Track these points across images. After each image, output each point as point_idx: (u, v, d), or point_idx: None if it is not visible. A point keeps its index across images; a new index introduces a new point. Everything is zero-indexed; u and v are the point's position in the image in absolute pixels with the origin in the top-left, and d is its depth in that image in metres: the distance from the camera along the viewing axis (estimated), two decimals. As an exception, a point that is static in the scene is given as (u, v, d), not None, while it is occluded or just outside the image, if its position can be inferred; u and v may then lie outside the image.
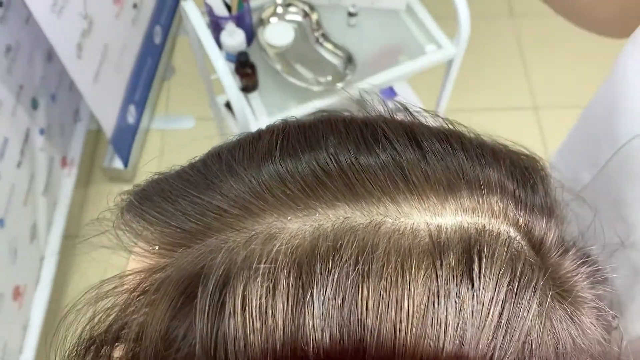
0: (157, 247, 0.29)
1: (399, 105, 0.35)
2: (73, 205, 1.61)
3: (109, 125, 1.54)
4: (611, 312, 0.30)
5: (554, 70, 1.92)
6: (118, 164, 1.68)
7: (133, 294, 0.28)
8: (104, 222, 0.33)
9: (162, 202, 0.30)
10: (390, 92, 1.62)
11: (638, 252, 0.40)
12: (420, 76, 1.30)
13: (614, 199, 0.49)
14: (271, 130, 0.32)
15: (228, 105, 1.49)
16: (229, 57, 1.15)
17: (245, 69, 1.09)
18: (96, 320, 0.28)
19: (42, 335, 1.33)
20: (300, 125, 0.32)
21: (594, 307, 0.30)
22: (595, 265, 0.31)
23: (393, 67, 1.18)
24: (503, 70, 1.94)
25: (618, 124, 0.46)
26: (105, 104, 1.53)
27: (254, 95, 1.15)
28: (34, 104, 1.42)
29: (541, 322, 0.27)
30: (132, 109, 1.69)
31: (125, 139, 1.67)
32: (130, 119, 1.69)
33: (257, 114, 1.13)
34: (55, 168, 1.56)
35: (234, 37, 1.12)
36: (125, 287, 0.29)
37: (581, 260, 0.31)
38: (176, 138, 1.82)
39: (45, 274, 1.43)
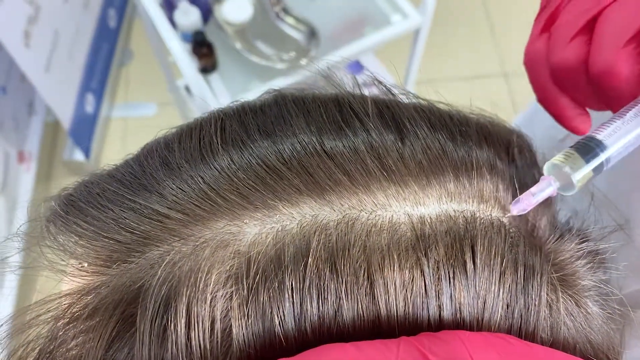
0: (85, 264, 0.24)
1: (370, 80, 0.31)
2: (35, 202, 1.53)
3: (66, 116, 1.47)
4: (617, 294, 0.27)
5: (523, 36, 1.88)
6: (79, 155, 1.61)
7: (60, 322, 0.23)
8: (28, 236, 0.28)
9: (90, 209, 0.25)
10: (357, 65, 1.57)
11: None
12: (388, 48, 1.26)
13: None
14: (214, 117, 0.27)
15: (188, 88, 1.43)
16: (185, 37, 1.09)
17: (202, 49, 1.03)
18: (17, 357, 0.24)
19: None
20: (250, 109, 0.27)
21: (596, 291, 0.27)
22: (595, 248, 0.28)
23: (358, 40, 1.14)
24: (471, 37, 1.90)
25: None
26: (60, 94, 1.45)
27: (214, 77, 1.09)
28: (-18, 98, 1.34)
29: (549, 311, 0.24)
30: (89, 97, 1.61)
31: (84, 130, 1.60)
32: (89, 108, 1.61)
33: (219, 96, 1.07)
34: (12, 164, 1.48)
35: (188, 15, 1.06)
36: (50, 314, 0.24)
37: (579, 244, 0.27)
38: (139, 126, 1.75)
39: (9, 276, 1.37)
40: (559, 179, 0.26)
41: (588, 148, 0.27)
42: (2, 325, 0.24)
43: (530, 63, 0.32)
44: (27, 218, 0.30)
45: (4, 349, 0.24)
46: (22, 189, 1.52)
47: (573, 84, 0.30)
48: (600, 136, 0.27)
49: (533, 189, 0.26)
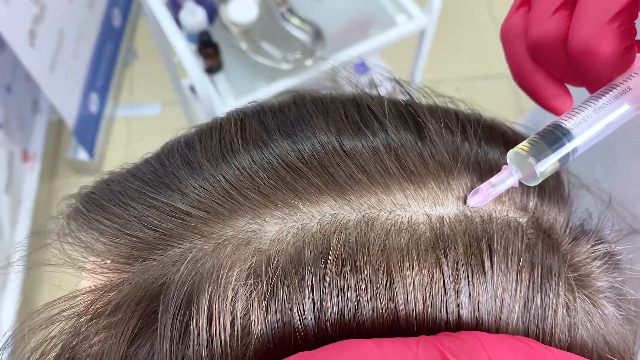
0: (108, 261, 0.24)
1: (383, 79, 0.31)
2: (38, 201, 1.54)
3: (70, 115, 1.47)
4: (633, 295, 0.27)
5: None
6: (83, 155, 1.61)
7: (83, 319, 0.23)
8: (50, 233, 0.28)
9: (113, 207, 0.25)
10: (362, 66, 1.57)
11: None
12: (393, 48, 1.26)
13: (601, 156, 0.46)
14: (233, 117, 0.27)
15: (193, 88, 1.43)
16: (190, 38, 1.09)
17: (208, 49, 1.04)
18: (40, 351, 0.24)
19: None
20: (269, 109, 0.27)
21: (612, 292, 0.27)
22: (610, 249, 0.28)
23: (363, 41, 1.14)
24: (476, 38, 1.90)
25: None
26: (64, 93, 1.45)
27: (219, 77, 1.10)
28: (-13, 97, 1.34)
29: (566, 310, 0.24)
30: (94, 97, 1.61)
31: (88, 129, 1.60)
32: (93, 107, 1.61)
33: (224, 96, 1.08)
34: (16, 163, 1.48)
35: (194, 15, 1.06)
36: (73, 310, 0.24)
37: (595, 245, 0.27)
38: (143, 125, 1.75)
39: (13, 275, 1.37)
40: (523, 168, 0.25)
41: (554, 137, 0.25)
42: (27, 318, 0.24)
43: (507, 37, 0.30)
44: (41, 216, 0.30)
45: (26, 344, 0.24)
46: (26, 188, 1.52)
47: (552, 61, 0.28)
48: (568, 125, 0.25)
49: (493, 180, 0.24)
